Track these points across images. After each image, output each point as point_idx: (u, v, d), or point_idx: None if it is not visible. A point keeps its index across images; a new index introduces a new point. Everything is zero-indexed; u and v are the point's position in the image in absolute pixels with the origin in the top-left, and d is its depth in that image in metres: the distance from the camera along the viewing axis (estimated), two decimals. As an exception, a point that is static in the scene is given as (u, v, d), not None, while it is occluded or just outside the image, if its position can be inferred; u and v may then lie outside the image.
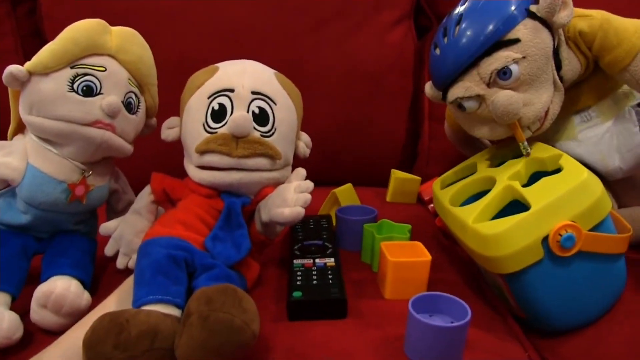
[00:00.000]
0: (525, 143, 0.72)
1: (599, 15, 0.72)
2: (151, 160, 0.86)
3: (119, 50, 0.68)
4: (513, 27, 0.68)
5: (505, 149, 0.77)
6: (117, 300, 0.63)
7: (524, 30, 0.68)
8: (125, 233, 0.72)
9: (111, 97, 0.65)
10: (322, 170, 1.02)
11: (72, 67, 0.64)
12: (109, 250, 0.73)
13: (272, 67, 0.77)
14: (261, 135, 0.68)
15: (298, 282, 0.65)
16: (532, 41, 0.68)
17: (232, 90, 0.69)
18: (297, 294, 0.62)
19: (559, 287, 0.60)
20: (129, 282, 0.65)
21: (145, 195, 0.74)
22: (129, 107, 0.69)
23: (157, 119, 0.78)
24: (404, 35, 1.17)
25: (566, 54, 0.74)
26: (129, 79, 0.69)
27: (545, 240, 0.57)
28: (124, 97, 0.68)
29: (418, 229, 0.84)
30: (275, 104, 0.70)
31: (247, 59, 0.75)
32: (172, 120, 0.76)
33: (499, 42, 0.68)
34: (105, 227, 0.74)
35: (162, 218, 0.69)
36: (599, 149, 0.76)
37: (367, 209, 0.85)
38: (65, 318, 0.62)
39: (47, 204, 0.66)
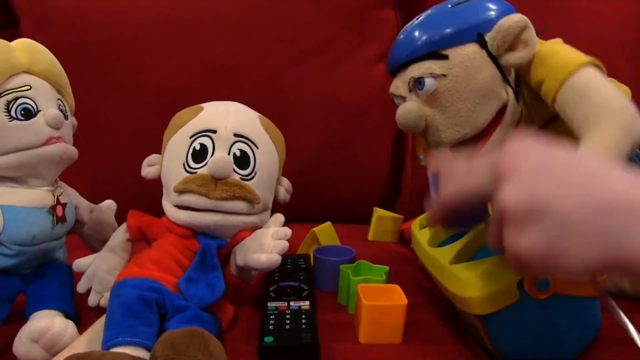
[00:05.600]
0: (421, 156, 0.77)
1: (537, 48, 0.71)
2: (131, 197, 0.85)
3: (31, 63, 0.66)
4: (450, 45, 0.69)
5: None
6: (87, 341, 0.61)
7: (460, 51, 0.68)
8: (99, 270, 0.71)
9: (51, 110, 0.65)
10: (303, 207, 1.02)
11: None
12: (81, 287, 0.72)
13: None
14: (241, 178, 0.68)
15: (270, 327, 0.63)
16: (462, 64, 0.68)
17: (214, 131, 0.69)
18: (268, 339, 0.60)
19: (534, 328, 0.59)
20: (100, 323, 0.64)
21: (121, 233, 0.73)
22: (63, 113, 0.68)
23: (137, 154, 0.77)
24: (388, 69, 1.18)
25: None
26: (51, 88, 0.68)
27: (520, 282, 0.56)
28: (57, 106, 0.68)
29: (398, 269, 0.83)
30: (257, 148, 0.70)
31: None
32: (153, 157, 0.75)
33: (431, 53, 0.69)
34: (78, 263, 0.73)
35: (137, 257, 0.68)
36: None
37: (345, 249, 0.84)
38: (52, 356, 0.61)
39: (39, 236, 0.65)
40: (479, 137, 0.73)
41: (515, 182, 0.41)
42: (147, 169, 0.75)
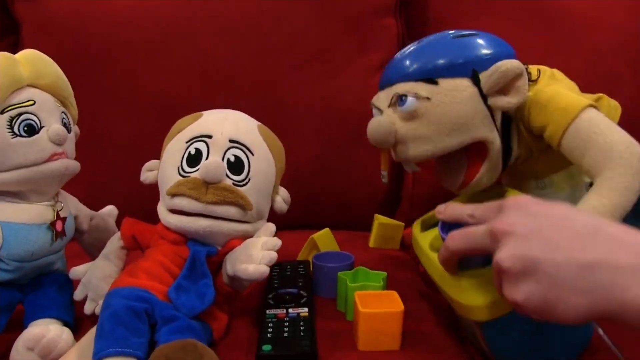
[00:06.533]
0: (384, 172, 0.78)
1: (531, 93, 0.72)
2: (129, 202, 0.85)
3: (35, 77, 0.66)
4: (444, 76, 0.69)
5: (485, 193, 0.76)
6: (79, 353, 0.61)
7: (451, 82, 0.69)
8: (93, 277, 0.71)
9: (55, 126, 0.65)
10: (303, 213, 1.02)
11: (2, 113, 0.62)
12: (77, 295, 0.71)
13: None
14: (234, 184, 0.68)
15: (269, 335, 0.63)
16: (449, 92, 0.69)
17: (210, 137, 0.69)
18: (266, 347, 0.60)
19: (531, 334, 0.60)
20: (91, 334, 0.63)
21: (115, 241, 0.74)
22: (66, 127, 0.68)
23: (136, 159, 0.77)
24: (388, 78, 1.17)
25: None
26: (55, 101, 0.68)
27: None
28: (61, 120, 0.67)
29: (398, 276, 0.83)
30: (253, 154, 0.70)
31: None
32: (152, 163, 0.76)
33: (423, 79, 0.70)
34: (75, 271, 0.73)
35: (130, 267, 0.68)
36: None
37: (344, 255, 0.84)
38: None
39: (38, 252, 0.66)
40: (465, 175, 0.75)
41: (508, 245, 0.46)
42: (146, 174, 0.75)
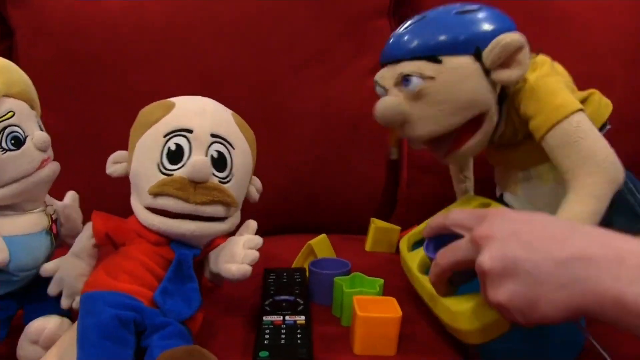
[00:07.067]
0: (394, 149, 0.81)
1: (532, 77, 0.73)
2: (126, 204, 0.85)
3: (8, 86, 0.64)
4: (447, 53, 0.71)
5: (474, 202, 0.77)
6: (60, 353, 0.60)
7: (454, 60, 0.70)
8: (66, 276, 0.67)
9: (38, 134, 0.65)
10: (300, 215, 1.01)
11: None
12: (52, 290, 0.68)
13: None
14: (219, 181, 0.65)
15: (265, 341, 0.63)
16: (453, 70, 0.70)
17: (190, 131, 0.64)
18: (263, 353, 0.60)
19: (524, 352, 0.61)
20: (69, 334, 0.62)
21: (86, 238, 0.69)
22: (41, 130, 0.68)
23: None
24: (385, 80, 1.18)
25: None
26: (28, 107, 0.67)
27: None
28: (38, 126, 0.67)
29: (394, 281, 0.82)
30: (234, 148, 0.67)
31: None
32: (119, 154, 0.72)
33: (426, 56, 0.71)
34: (45, 268, 0.68)
35: (106, 264, 0.65)
36: (534, 208, 0.79)
37: (341, 261, 0.84)
38: None
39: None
40: (455, 141, 0.77)
41: (489, 248, 0.48)
42: (114, 167, 0.71)
